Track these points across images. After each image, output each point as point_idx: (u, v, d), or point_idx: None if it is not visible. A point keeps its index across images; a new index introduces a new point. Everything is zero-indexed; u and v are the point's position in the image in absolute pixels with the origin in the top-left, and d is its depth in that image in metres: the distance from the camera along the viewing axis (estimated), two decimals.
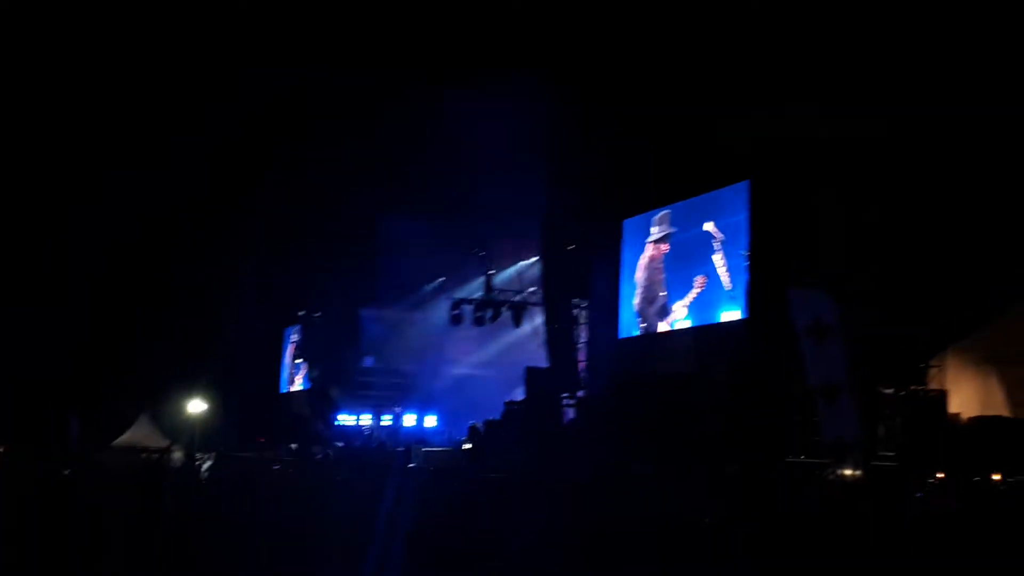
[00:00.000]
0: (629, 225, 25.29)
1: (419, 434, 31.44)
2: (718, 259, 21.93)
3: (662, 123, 22.12)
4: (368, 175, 28.83)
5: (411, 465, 22.30)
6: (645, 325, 24.45)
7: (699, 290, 22.54)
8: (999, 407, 17.82)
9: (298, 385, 40.67)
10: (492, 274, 30.57)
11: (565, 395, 26.25)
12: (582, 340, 27.20)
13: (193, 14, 21.87)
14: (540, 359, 27.38)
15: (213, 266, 32.79)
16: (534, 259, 29.86)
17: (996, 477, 13.78)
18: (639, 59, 21.52)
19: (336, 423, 34.45)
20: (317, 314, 38.15)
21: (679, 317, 23.15)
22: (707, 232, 22.28)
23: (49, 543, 15.60)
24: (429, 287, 35.54)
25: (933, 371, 18.09)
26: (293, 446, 27.81)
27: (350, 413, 34.82)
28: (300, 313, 38.88)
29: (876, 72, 18.55)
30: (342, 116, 25.69)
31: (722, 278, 21.81)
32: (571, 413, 26.16)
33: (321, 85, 24.16)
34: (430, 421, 33.11)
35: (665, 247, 23.99)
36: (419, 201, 29.10)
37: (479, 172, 26.15)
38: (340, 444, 29.73)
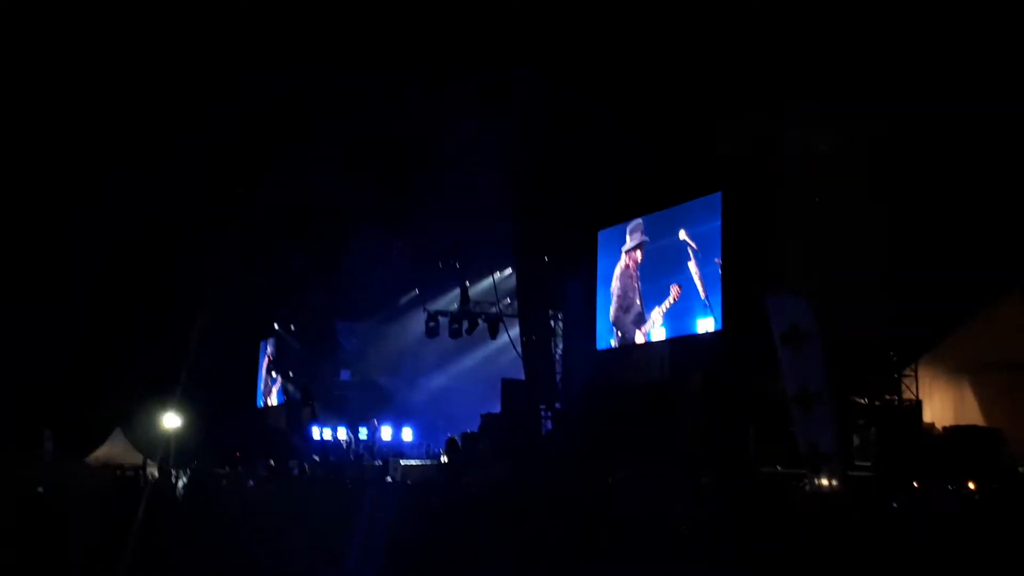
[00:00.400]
0: (604, 236, 25.35)
1: (396, 447, 31.34)
2: (692, 267, 22.04)
3: (636, 134, 22.21)
4: (341, 187, 28.74)
5: (388, 479, 22.28)
6: (621, 335, 24.51)
7: (674, 299, 22.63)
8: (973, 416, 17.96)
9: (274, 399, 40.48)
10: (467, 286, 30.53)
11: (543, 407, 26.26)
12: (558, 352, 27.22)
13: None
14: (517, 371, 27.40)
15: (186, 278, 32.56)
16: (509, 271, 29.86)
17: (971, 486, 13.88)
18: (611, 72, 21.58)
19: (312, 437, 34.29)
20: (292, 327, 37.99)
21: (655, 325, 23.22)
22: (681, 241, 22.38)
23: (21, 561, 15.44)
24: (404, 299, 35.45)
25: (906, 380, 18.20)
26: (271, 462, 27.67)
27: (326, 427, 34.65)
28: (275, 326, 38.71)
29: (847, 79, 18.70)
30: (315, 130, 25.65)
31: (697, 286, 21.90)
32: (549, 425, 26.17)
33: (301, 98, 24.18)
34: (407, 434, 33.01)
35: (639, 256, 24.07)
36: (393, 213, 29.02)
37: (453, 184, 26.15)
38: (316, 458, 29.59)
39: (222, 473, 25.12)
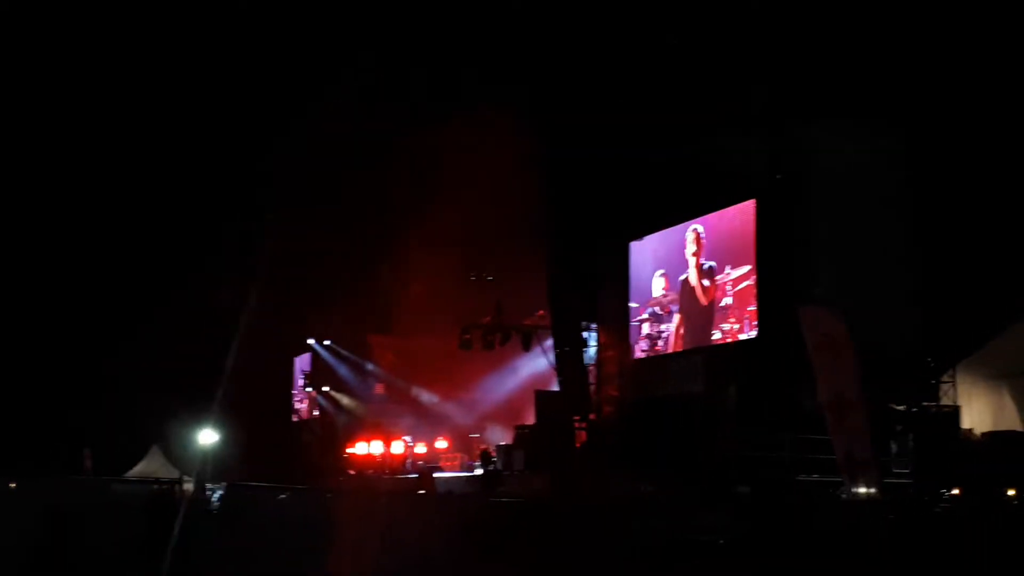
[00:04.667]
0: (636, 247, 25.28)
1: (431, 460, 31.33)
2: (725, 276, 21.93)
3: (668, 144, 22.17)
4: (375, 201, 28.86)
5: (421, 492, 22.27)
6: (655, 345, 24.41)
7: (707, 306, 22.52)
8: (1012, 421, 17.72)
9: (308, 414, 40.61)
10: (500, 298, 30.47)
11: (576, 418, 26.16)
12: (592, 362, 27.13)
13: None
14: (551, 382, 27.35)
15: (224, 293, 32.79)
16: (543, 282, 29.74)
17: (1011, 492, 13.69)
18: (644, 80, 21.59)
19: (347, 451, 34.35)
20: (326, 342, 38.10)
21: (687, 333, 23.14)
22: (715, 249, 22.30)
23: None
24: (438, 312, 35.39)
25: (944, 386, 17.98)
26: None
27: (361, 442, 34.68)
28: (309, 341, 38.84)
29: (878, 88, 18.59)
30: (348, 145, 25.84)
31: (729, 295, 21.79)
32: (583, 436, 26.08)
33: (327, 113, 24.39)
34: (442, 447, 33.02)
35: (673, 265, 23.96)
36: (427, 226, 29.07)
37: (486, 196, 26.15)
38: (351, 472, 29.66)
39: (257, 487, 25.17)
